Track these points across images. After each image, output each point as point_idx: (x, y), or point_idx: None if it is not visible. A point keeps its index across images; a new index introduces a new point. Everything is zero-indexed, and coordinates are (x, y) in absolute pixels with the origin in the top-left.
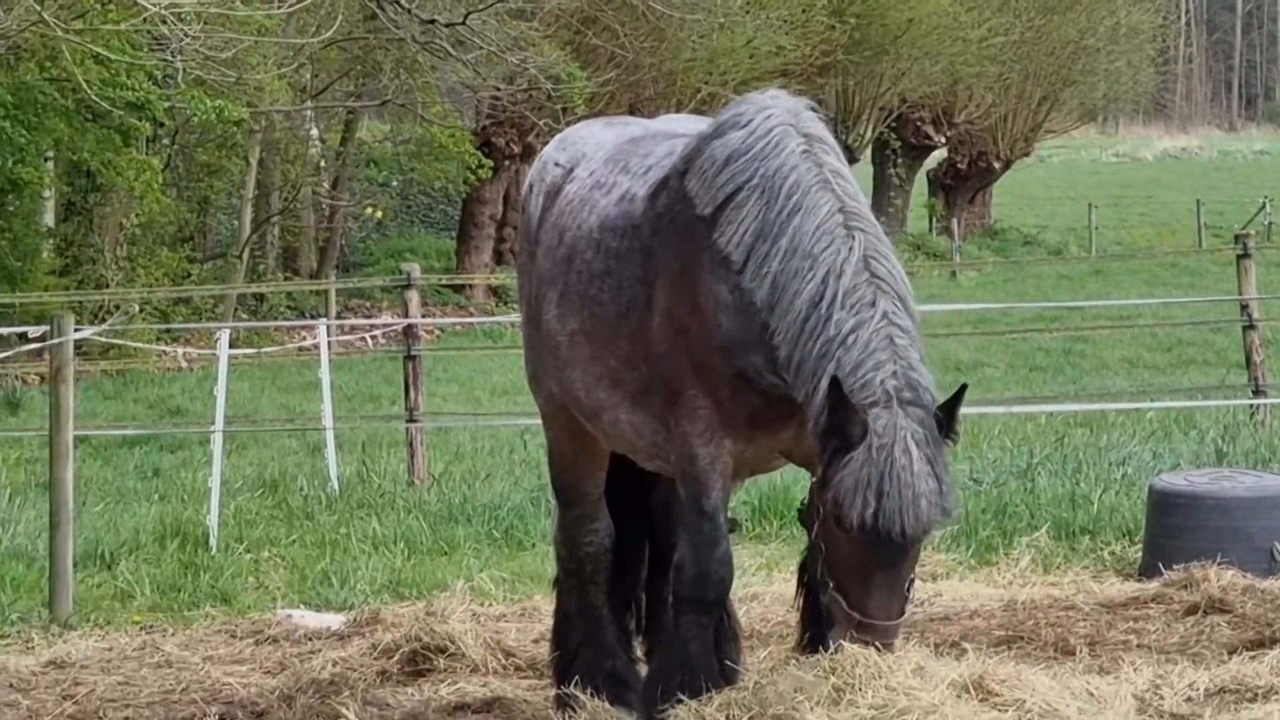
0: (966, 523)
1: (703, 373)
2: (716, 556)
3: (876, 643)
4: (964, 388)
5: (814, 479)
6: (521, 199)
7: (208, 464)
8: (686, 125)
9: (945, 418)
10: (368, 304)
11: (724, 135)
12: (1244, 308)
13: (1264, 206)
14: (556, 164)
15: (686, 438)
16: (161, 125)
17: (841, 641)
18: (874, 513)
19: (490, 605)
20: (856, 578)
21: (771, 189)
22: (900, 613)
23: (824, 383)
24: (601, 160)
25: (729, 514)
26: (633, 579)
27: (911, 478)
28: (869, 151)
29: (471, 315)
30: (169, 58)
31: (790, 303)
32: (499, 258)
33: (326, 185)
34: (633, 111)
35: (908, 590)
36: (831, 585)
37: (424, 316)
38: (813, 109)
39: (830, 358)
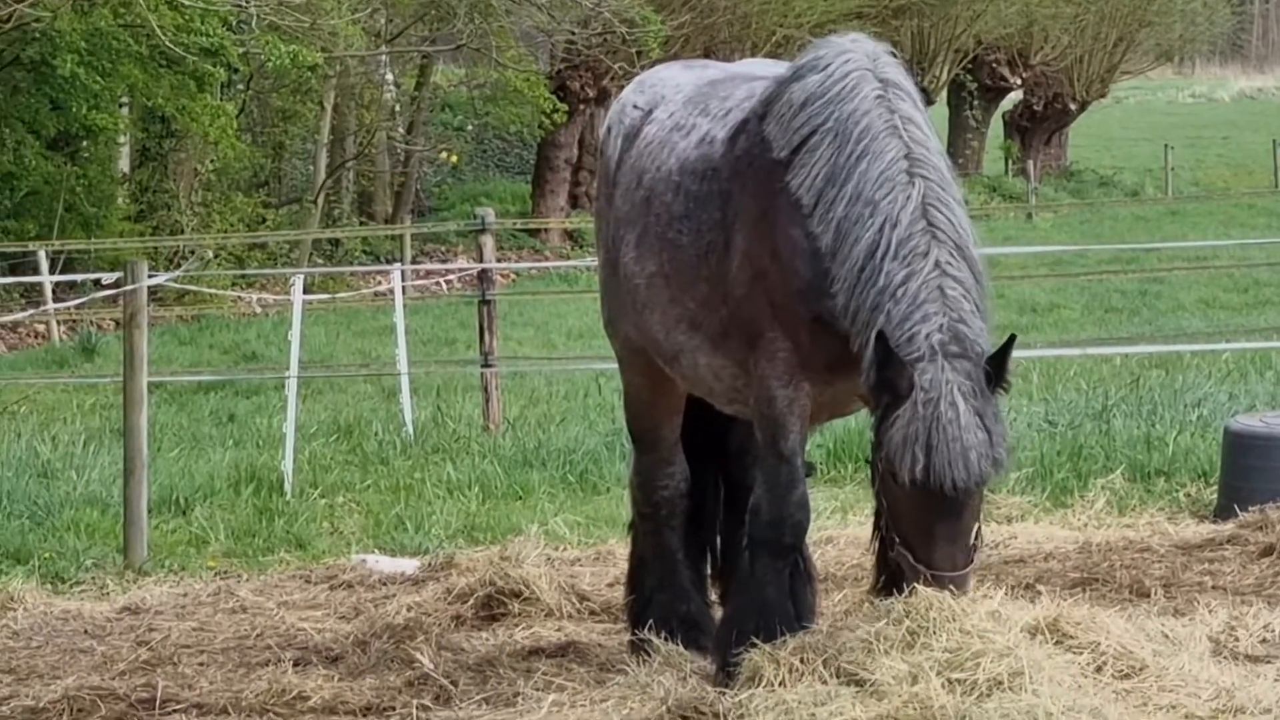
0: (1041, 465)
1: (782, 316)
2: (793, 500)
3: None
4: (1012, 338)
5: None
6: (599, 141)
7: (282, 409)
8: (766, 69)
9: (994, 369)
10: (443, 248)
11: (802, 79)
12: None
13: None
14: (635, 106)
15: (765, 380)
16: (236, 71)
17: (915, 585)
18: (924, 468)
19: (564, 549)
20: (919, 532)
21: (844, 133)
22: (966, 563)
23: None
24: (680, 102)
25: (805, 457)
26: (709, 523)
27: (959, 431)
28: (945, 94)
29: (547, 259)
30: (243, 3)
31: (850, 250)
32: (574, 201)
33: (401, 130)
34: (707, 55)
35: (975, 537)
36: (898, 540)
37: (499, 260)
38: (892, 54)
39: (881, 309)
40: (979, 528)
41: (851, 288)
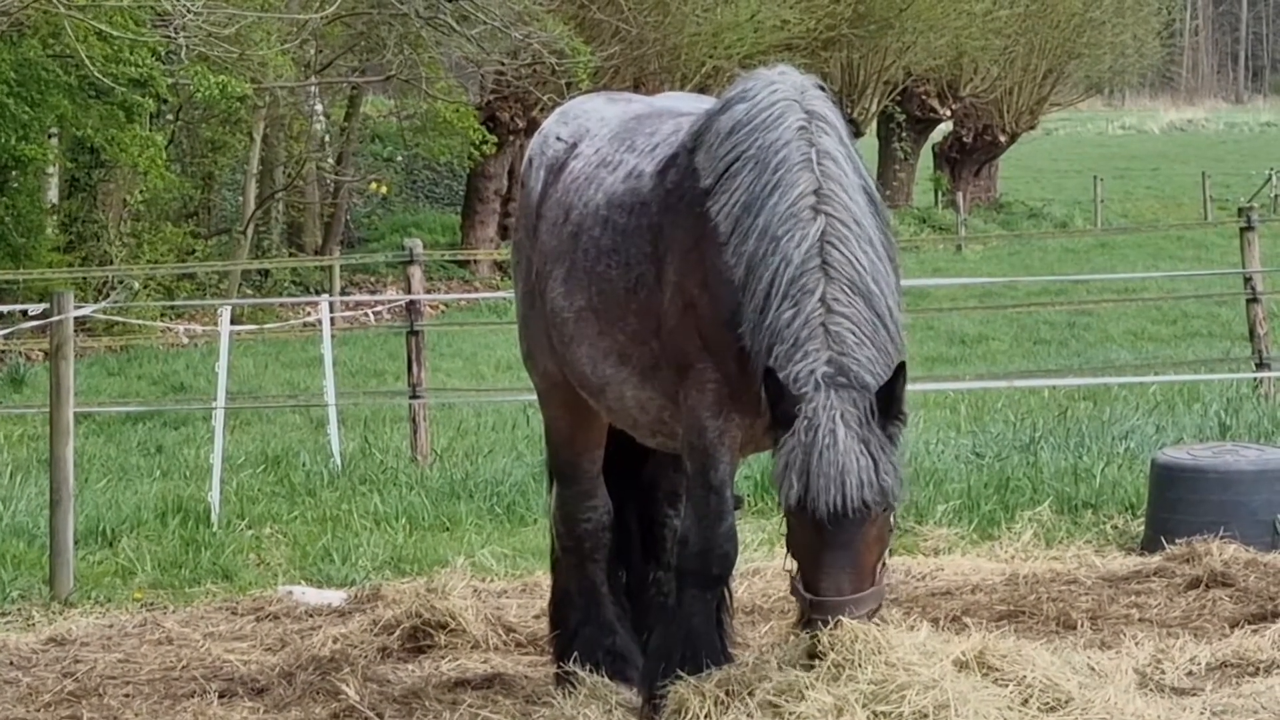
0: (968, 497)
1: (712, 347)
2: (722, 531)
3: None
4: (901, 367)
5: None
6: (521, 173)
7: (210, 440)
8: (690, 104)
9: (884, 399)
10: (372, 279)
11: (730, 109)
12: (1248, 280)
13: (1270, 179)
14: (559, 138)
15: (695, 411)
16: (165, 102)
17: (839, 619)
18: (799, 495)
19: (491, 581)
20: (808, 559)
21: (763, 161)
22: (853, 590)
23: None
24: (606, 137)
25: (733, 489)
26: (632, 556)
27: (837, 455)
28: (874, 125)
29: (476, 290)
30: (172, 34)
31: (754, 288)
32: (504, 232)
33: (331, 161)
34: (637, 86)
35: (875, 571)
36: (792, 572)
37: (428, 291)
38: (820, 86)
39: (770, 352)
40: (880, 559)
41: (751, 330)
